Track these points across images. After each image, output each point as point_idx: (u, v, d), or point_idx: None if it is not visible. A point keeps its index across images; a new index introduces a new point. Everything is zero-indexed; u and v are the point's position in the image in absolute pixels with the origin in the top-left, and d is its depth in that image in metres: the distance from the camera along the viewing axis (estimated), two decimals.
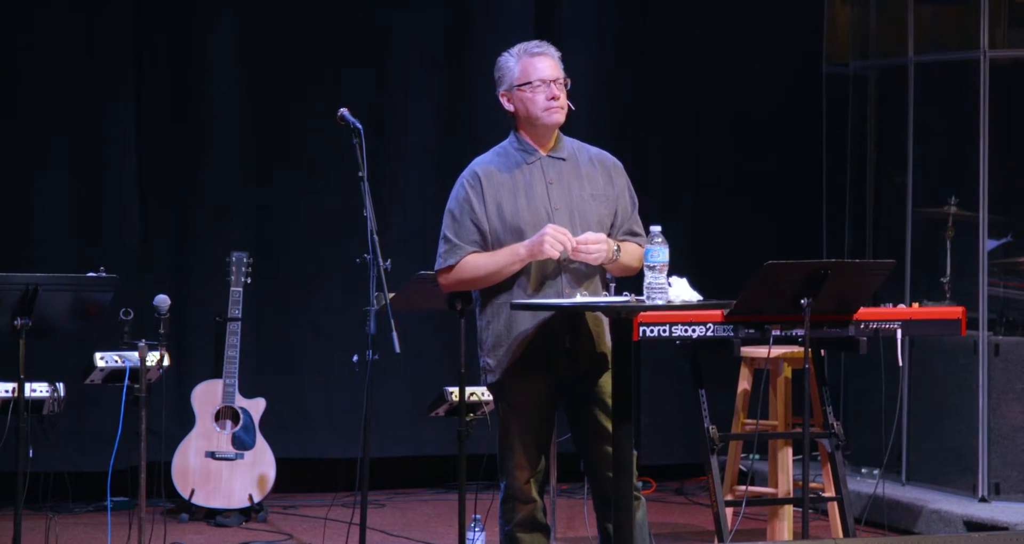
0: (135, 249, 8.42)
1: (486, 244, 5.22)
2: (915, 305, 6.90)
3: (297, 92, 8.65)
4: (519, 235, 5.18)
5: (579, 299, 5.11)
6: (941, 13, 8.72)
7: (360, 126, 5.64)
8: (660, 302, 4.94)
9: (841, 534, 6.64)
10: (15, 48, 8.32)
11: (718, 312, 6.08)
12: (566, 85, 5.27)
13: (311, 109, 8.49)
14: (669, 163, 9.21)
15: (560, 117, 5.26)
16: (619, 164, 5.40)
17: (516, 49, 5.32)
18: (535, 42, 5.33)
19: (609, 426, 5.18)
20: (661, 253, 4.91)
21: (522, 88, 5.25)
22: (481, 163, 5.31)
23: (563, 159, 5.29)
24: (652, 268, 4.92)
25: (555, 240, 5.06)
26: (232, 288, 8.00)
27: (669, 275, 5.02)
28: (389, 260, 5.70)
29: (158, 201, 8.54)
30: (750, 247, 8.76)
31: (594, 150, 5.39)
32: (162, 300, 6.39)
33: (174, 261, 8.55)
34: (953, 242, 8.05)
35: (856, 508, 7.33)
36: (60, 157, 8.38)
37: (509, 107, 5.30)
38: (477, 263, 5.20)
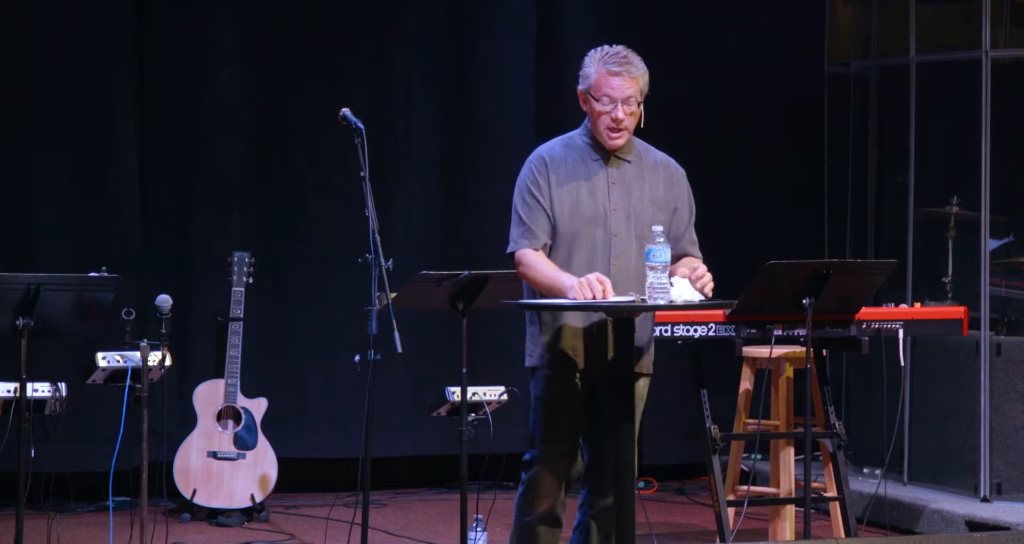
0: (137, 249, 8.42)
1: (552, 228, 5.19)
2: (917, 305, 6.90)
3: (299, 92, 8.65)
4: (577, 227, 5.17)
5: (583, 299, 5.09)
6: (943, 13, 8.71)
7: (362, 126, 5.64)
8: (662, 302, 4.93)
9: (843, 534, 6.64)
10: (17, 48, 8.32)
11: (720, 312, 6.09)
12: (639, 102, 5.21)
13: (313, 109, 8.49)
14: None
15: (619, 142, 5.23)
16: (681, 172, 5.39)
17: (601, 53, 5.22)
18: (620, 55, 5.20)
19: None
20: (663, 253, 4.91)
21: (594, 97, 5.20)
22: (548, 150, 5.28)
23: (628, 162, 5.28)
24: (654, 268, 4.91)
25: (585, 289, 4.95)
26: (234, 288, 8.00)
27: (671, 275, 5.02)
28: (391, 260, 5.69)
29: (160, 201, 8.54)
30: (751, 247, 8.75)
31: (660, 155, 5.38)
32: (164, 300, 6.39)
33: (176, 261, 8.55)
34: (955, 242, 8.05)
35: (858, 508, 7.33)
36: (62, 157, 8.38)
37: (584, 106, 5.25)
38: (534, 272, 5.15)
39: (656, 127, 9.12)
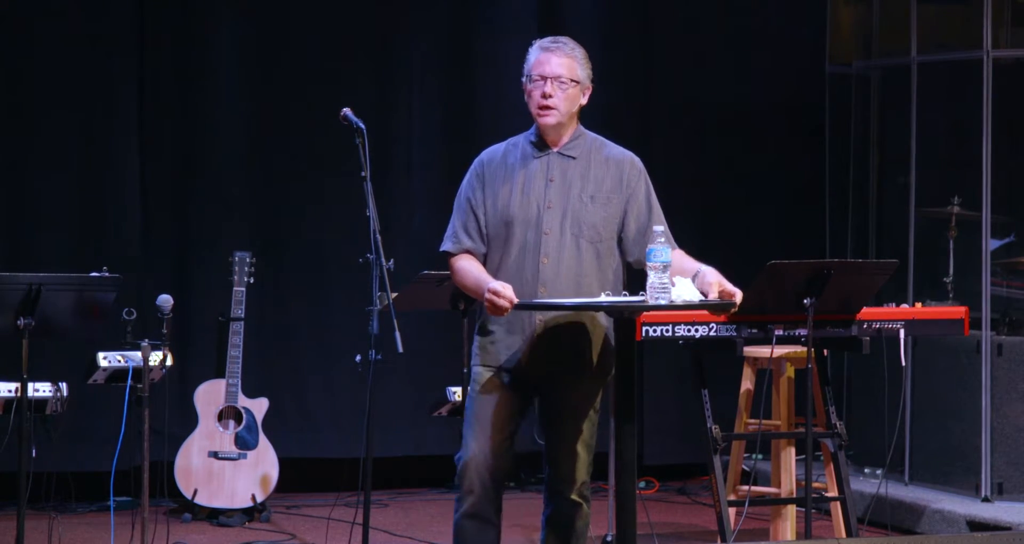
0: (138, 249, 8.43)
1: (483, 231, 5.22)
2: (918, 305, 6.90)
3: (300, 92, 8.66)
4: (508, 228, 5.16)
5: (590, 299, 5.08)
6: (944, 13, 8.72)
7: (363, 126, 5.63)
8: (663, 302, 4.93)
9: (844, 534, 6.64)
10: (18, 48, 8.32)
11: None
12: (574, 83, 5.16)
13: (314, 109, 8.49)
14: (672, 163, 9.20)
15: (549, 120, 5.18)
16: (638, 165, 5.27)
17: (539, 41, 5.26)
18: (555, 38, 5.24)
19: (572, 431, 5.17)
20: (664, 253, 4.90)
21: (530, 80, 5.20)
22: (489, 151, 5.31)
23: (573, 158, 5.24)
24: (655, 268, 4.90)
25: (492, 302, 4.98)
26: (235, 288, 8.00)
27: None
28: (392, 260, 5.69)
29: (161, 201, 8.54)
30: (753, 247, 8.76)
31: (616, 150, 5.29)
32: (165, 300, 6.40)
33: (177, 261, 8.55)
34: (956, 242, 8.05)
35: (859, 508, 7.33)
36: (63, 157, 8.38)
37: (526, 98, 5.24)
38: (463, 276, 5.22)
39: (657, 127, 9.24)
